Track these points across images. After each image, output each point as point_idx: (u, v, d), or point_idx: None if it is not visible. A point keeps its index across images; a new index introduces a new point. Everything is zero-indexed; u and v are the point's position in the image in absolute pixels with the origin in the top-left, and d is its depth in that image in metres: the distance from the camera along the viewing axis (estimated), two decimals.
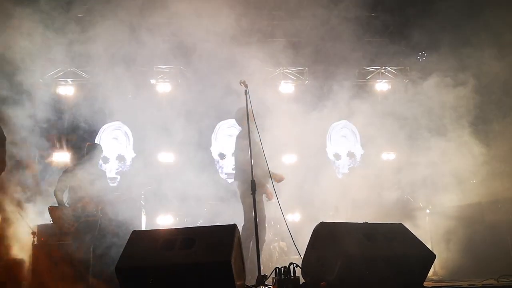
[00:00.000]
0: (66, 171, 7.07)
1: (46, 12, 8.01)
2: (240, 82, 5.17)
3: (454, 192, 7.78)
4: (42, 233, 7.34)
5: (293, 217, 8.66)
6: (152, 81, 10.50)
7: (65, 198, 6.94)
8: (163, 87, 10.51)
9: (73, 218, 6.60)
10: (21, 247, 7.92)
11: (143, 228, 8.55)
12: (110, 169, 10.18)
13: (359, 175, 9.53)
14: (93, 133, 10.12)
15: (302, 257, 4.08)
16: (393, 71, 10.96)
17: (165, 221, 8.98)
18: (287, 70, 10.83)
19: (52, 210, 6.72)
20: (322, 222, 3.92)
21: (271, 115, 7.97)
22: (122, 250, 3.69)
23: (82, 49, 8.88)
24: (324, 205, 8.51)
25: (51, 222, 7.10)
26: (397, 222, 7.57)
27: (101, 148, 7.52)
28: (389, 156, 10.40)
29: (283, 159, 10.00)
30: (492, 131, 8.29)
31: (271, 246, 7.95)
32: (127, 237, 3.85)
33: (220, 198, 9.44)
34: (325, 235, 3.80)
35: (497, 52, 7.92)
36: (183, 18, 9.16)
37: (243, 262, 4.05)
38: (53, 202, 6.95)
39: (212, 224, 8.22)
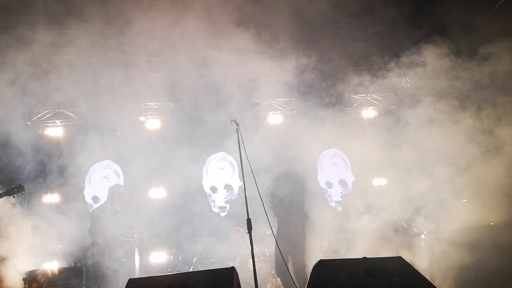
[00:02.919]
0: (96, 212, 7.11)
1: (32, 53, 8.04)
2: (231, 121, 5.20)
3: (447, 216, 7.79)
4: (33, 280, 7.23)
5: None
6: (142, 118, 10.50)
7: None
8: (153, 123, 10.53)
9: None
10: None
11: (137, 267, 8.42)
12: None
13: (352, 203, 9.53)
14: (83, 173, 10.02)
15: None
16: (378, 98, 11.13)
17: (159, 258, 8.84)
18: (274, 102, 10.94)
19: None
20: (321, 260, 3.89)
21: (260, 147, 7.98)
22: None
23: (70, 90, 8.89)
24: (318, 236, 8.47)
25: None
26: (393, 249, 7.62)
27: (123, 188, 7.56)
28: (380, 181, 10.44)
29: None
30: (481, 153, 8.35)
31: (268, 285, 7.82)
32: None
33: (214, 233, 9.37)
34: (325, 274, 3.76)
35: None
36: (170, 55, 9.27)
37: None
38: None
39: (207, 261, 8.25)
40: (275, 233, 5.60)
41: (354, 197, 9.20)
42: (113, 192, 7.28)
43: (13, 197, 6.28)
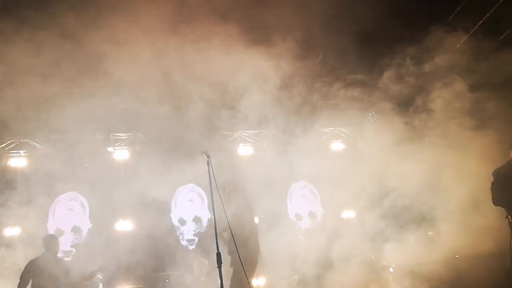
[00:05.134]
0: (28, 265, 6.70)
1: None
2: (202, 153, 5.17)
3: (415, 249, 7.91)
4: None
5: (258, 282, 8.49)
6: (109, 149, 10.32)
7: None
8: (121, 154, 10.33)
9: None
10: None
11: None
12: (65, 242, 9.70)
13: (321, 235, 9.56)
14: (47, 204, 9.70)
15: None
16: (346, 131, 11.34)
17: None
18: (245, 134, 10.98)
19: None
20: None
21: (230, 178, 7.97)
22: None
23: (35, 119, 8.69)
24: (288, 267, 8.44)
25: None
26: (362, 283, 7.64)
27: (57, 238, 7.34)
28: (349, 214, 10.54)
29: None
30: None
31: None
32: None
33: (182, 266, 9.17)
34: None
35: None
36: (137, 86, 9.23)
37: None
38: None
39: None
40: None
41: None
42: (48, 241, 7.03)
43: None
